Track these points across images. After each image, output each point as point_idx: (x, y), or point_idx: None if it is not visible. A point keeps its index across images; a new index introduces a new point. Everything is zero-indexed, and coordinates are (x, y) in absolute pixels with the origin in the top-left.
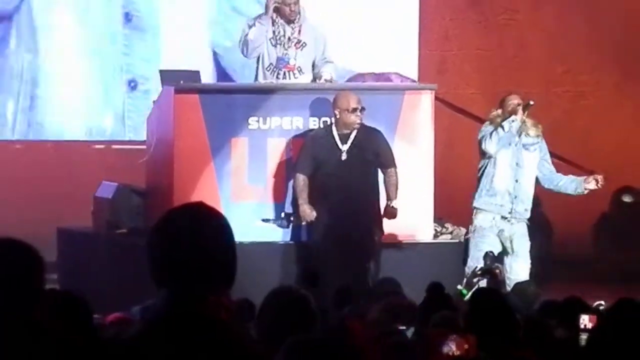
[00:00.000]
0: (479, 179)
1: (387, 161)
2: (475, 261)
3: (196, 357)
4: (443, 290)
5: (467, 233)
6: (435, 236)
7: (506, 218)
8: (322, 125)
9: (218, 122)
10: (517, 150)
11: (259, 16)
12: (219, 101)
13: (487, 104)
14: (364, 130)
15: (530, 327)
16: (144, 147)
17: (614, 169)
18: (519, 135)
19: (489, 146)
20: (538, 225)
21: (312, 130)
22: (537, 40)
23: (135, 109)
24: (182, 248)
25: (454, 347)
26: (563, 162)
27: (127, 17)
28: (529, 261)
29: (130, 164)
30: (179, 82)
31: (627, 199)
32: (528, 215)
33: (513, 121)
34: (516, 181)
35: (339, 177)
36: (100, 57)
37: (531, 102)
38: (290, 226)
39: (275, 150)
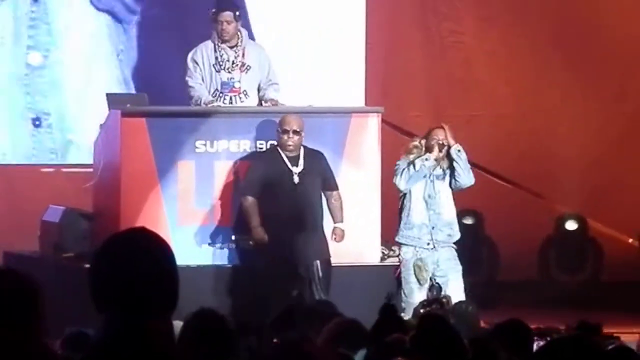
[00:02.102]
0: (399, 212)
1: (332, 184)
2: (408, 294)
3: None
4: (395, 312)
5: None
6: (382, 259)
7: (426, 249)
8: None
9: (165, 145)
10: (431, 182)
11: (199, 47)
12: (165, 124)
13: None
14: (309, 152)
15: (478, 350)
16: (91, 170)
17: (557, 191)
18: (434, 168)
19: (399, 183)
20: (484, 249)
21: (256, 151)
22: (482, 62)
23: (40, 146)
24: (122, 273)
25: None
26: (506, 182)
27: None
28: (461, 282)
29: (78, 188)
30: (126, 105)
31: (570, 226)
32: (454, 239)
33: (426, 159)
34: (432, 211)
35: (292, 200)
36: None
37: (446, 144)
38: (237, 249)
39: (222, 173)
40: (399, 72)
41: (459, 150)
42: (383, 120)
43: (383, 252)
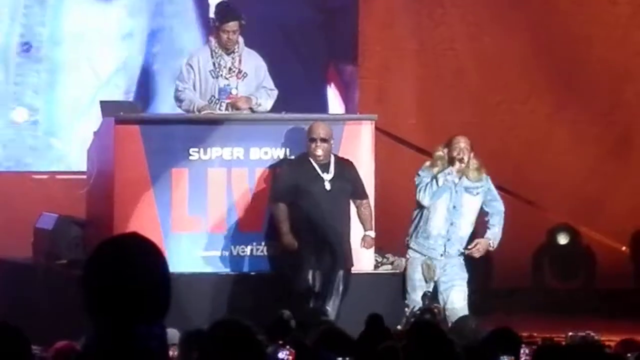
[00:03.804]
0: (415, 217)
1: (362, 192)
2: (411, 291)
3: None
4: (382, 323)
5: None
6: (376, 267)
7: (437, 260)
8: (265, 155)
9: (158, 153)
10: (456, 194)
11: (196, 53)
12: (159, 132)
13: (426, 134)
14: (340, 160)
15: (472, 358)
16: (85, 177)
17: (548, 200)
18: (459, 178)
19: (423, 199)
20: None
21: (285, 158)
22: (473, 70)
23: (18, 138)
24: (114, 279)
25: None
26: (500, 191)
27: (24, 47)
28: (465, 290)
29: (71, 195)
30: (119, 113)
31: (562, 240)
32: (460, 252)
33: (449, 174)
34: (451, 224)
35: (323, 207)
36: None
37: (467, 154)
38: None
39: (216, 180)
40: (393, 80)
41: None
42: (377, 128)
43: (377, 260)
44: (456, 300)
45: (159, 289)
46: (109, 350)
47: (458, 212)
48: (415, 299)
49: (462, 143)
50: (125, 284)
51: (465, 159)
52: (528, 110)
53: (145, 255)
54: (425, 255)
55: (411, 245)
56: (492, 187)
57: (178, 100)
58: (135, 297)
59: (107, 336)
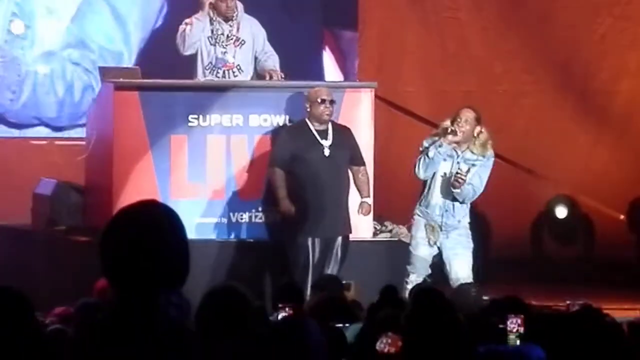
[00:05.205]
0: (423, 186)
1: (360, 159)
2: (414, 247)
3: (145, 355)
4: (397, 293)
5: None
6: (375, 234)
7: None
8: (264, 122)
9: (158, 120)
10: (457, 165)
11: (196, 13)
12: (158, 98)
13: (427, 102)
14: (338, 127)
15: (475, 325)
16: (84, 143)
17: (552, 169)
18: (463, 150)
19: (418, 173)
20: (477, 226)
21: (284, 125)
22: (478, 38)
23: None
24: (132, 247)
25: (388, 345)
26: (501, 160)
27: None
28: (470, 260)
29: (70, 161)
30: (119, 78)
31: (560, 214)
32: (464, 223)
33: (440, 145)
34: (451, 195)
35: (322, 173)
36: None
37: (460, 128)
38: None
39: (215, 147)
40: (394, 48)
41: (458, 192)
42: (376, 96)
43: (375, 228)
44: (460, 269)
45: (178, 256)
46: (127, 318)
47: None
48: (418, 255)
49: (464, 115)
50: (144, 252)
51: (462, 132)
52: (534, 79)
53: (163, 223)
54: (426, 222)
55: (416, 211)
56: (489, 167)
57: (181, 37)
58: (154, 265)
59: (125, 304)
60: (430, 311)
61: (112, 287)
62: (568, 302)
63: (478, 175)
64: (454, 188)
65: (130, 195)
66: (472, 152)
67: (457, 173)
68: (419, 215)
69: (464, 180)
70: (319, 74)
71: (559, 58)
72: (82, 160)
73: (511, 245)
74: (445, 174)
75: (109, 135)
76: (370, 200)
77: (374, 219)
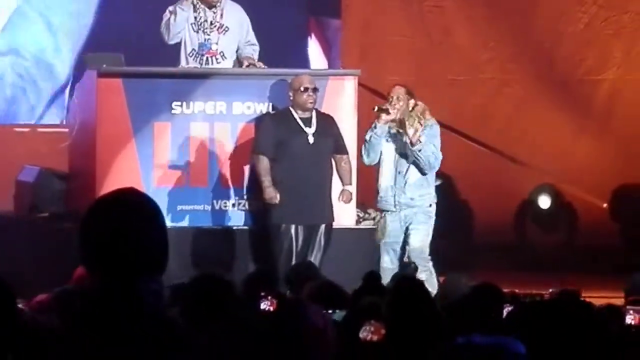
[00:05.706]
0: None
1: (343, 147)
2: (384, 261)
3: (124, 343)
4: (379, 280)
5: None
6: (358, 222)
7: (394, 211)
8: (248, 110)
9: (141, 107)
10: (401, 142)
11: (180, 2)
12: (142, 85)
13: (411, 90)
14: (321, 115)
15: (451, 314)
16: (67, 130)
17: (535, 158)
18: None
19: (364, 160)
20: (460, 213)
21: (268, 112)
22: (463, 27)
23: None
24: (111, 235)
25: (371, 333)
26: (485, 148)
27: None
28: (425, 232)
29: (54, 148)
30: (102, 65)
31: (543, 203)
32: (420, 202)
33: (374, 128)
34: (399, 173)
35: (306, 161)
36: None
37: (389, 107)
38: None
39: (198, 135)
40: (377, 36)
41: (419, 150)
42: (360, 84)
43: (358, 215)
44: (413, 241)
45: (157, 244)
46: (109, 304)
47: (403, 161)
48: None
49: (395, 93)
50: (123, 239)
51: (396, 109)
52: (519, 68)
53: (143, 210)
54: (384, 211)
55: (377, 204)
56: (437, 134)
57: (165, 26)
58: (135, 252)
59: (107, 290)
60: (409, 300)
61: (90, 275)
62: (551, 290)
63: (430, 144)
64: (414, 146)
65: (113, 182)
66: (411, 126)
67: (412, 134)
68: (380, 207)
69: (421, 135)
70: (304, 62)
71: (543, 47)
72: (65, 147)
73: (494, 232)
74: (390, 154)
75: (92, 122)
76: (351, 188)
77: (357, 207)
